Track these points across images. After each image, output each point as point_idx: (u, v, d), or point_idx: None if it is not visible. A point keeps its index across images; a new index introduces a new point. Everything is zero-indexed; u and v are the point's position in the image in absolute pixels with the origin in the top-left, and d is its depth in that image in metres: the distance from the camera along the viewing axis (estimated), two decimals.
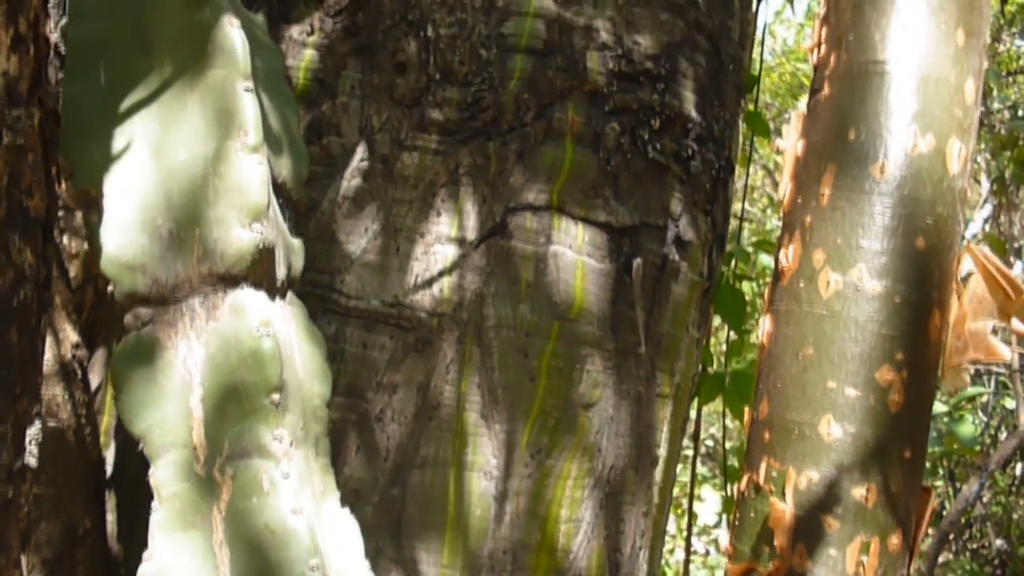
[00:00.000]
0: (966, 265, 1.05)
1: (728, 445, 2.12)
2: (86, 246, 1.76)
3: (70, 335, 1.39)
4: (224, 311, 1.10)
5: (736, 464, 2.10)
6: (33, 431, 0.96)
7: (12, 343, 0.94)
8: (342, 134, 1.46)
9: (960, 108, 1.02)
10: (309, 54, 1.48)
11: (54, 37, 0.95)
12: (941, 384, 1.07)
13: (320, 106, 1.47)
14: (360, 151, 1.45)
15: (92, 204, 1.12)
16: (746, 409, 1.18)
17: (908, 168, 1.01)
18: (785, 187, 1.13)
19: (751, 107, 1.88)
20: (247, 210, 1.10)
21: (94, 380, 1.63)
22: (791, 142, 1.15)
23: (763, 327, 1.11)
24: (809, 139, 1.10)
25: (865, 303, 1.00)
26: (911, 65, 1.02)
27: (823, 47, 1.12)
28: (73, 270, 1.63)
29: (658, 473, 1.59)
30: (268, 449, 1.08)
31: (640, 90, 1.50)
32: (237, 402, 1.08)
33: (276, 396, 1.08)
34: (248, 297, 1.11)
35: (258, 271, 1.12)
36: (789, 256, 1.06)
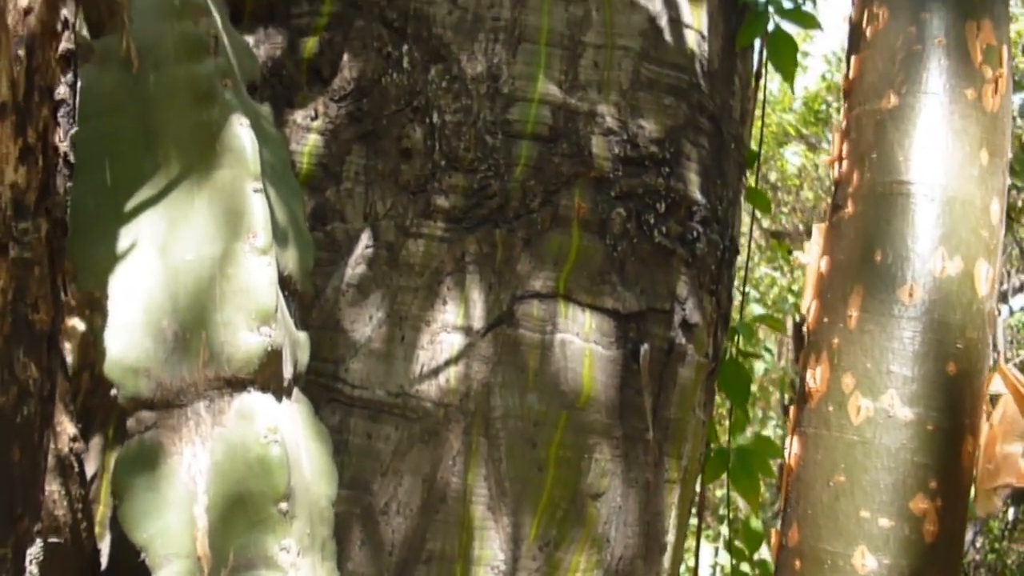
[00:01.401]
0: (996, 385, 1.05)
1: (732, 515, 2.09)
2: (81, 326, 1.73)
3: (68, 428, 1.36)
4: (230, 416, 1.07)
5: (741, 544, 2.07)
6: (34, 551, 0.93)
7: (14, 462, 0.91)
8: (346, 220, 1.44)
9: (986, 229, 1.02)
10: (313, 139, 1.47)
11: (63, 146, 0.94)
12: (973, 508, 1.06)
13: (324, 192, 1.46)
14: (365, 238, 1.43)
15: (96, 306, 1.10)
16: (773, 532, 1.15)
17: (937, 292, 1.00)
18: (808, 302, 1.12)
19: (752, 182, 1.89)
20: (255, 313, 1.08)
21: (90, 467, 1.59)
22: (814, 256, 1.14)
23: (790, 448, 1.09)
24: (834, 257, 1.09)
25: (897, 430, 0.98)
26: (936, 186, 1.02)
27: (845, 162, 1.12)
28: (69, 355, 1.60)
29: (666, 560, 1.56)
30: (275, 560, 1.05)
31: (645, 174, 1.50)
32: (243, 511, 1.05)
33: (284, 505, 1.05)
34: (255, 401, 1.08)
35: (265, 374, 1.09)
36: (817, 378, 1.05)
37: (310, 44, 1.51)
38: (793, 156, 7.84)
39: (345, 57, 1.48)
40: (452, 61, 1.46)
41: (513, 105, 1.45)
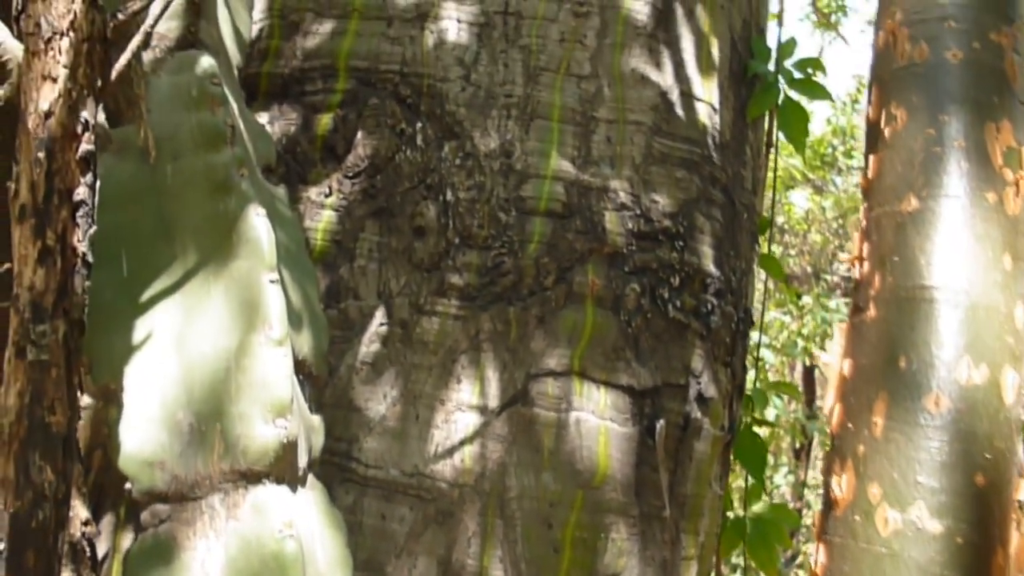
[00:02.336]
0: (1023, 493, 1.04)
1: None
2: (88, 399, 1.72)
3: (80, 512, 1.35)
4: (245, 510, 1.06)
5: None
6: None
7: (28, 567, 0.90)
8: (360, 298, 1.44)
9: (1011, 335, 1.02)
10: (327, 216, 1.48)
11: (82, 247, 0.94)
12: None
13: (338, 269, 1.46)
14: (379, 315, 1.43)
15: (111, 398, 1.09)
16: None
17: (963, 401, 1.00)
18: (831, 404, 1.12)
19: (764, 249, 1.89)
20: (271, 406, 1.07)
21: (101, 547, 1.57)
22: (836, 357, 1.14)
23: (816, 557, 1.08)
24: (856, 361, 1.09)
25: (926, 544, 0.97)
26: (959, 292, 1.02)
27: (866, 264, 1.12)
28: (80, 431, 1.59)
29: None
30: None
31: (659, 249, 1.49)
32: None
33: None
34: (270, 495, 1.07)
35: (281, 466, 1.09)
36: (842, 486, 1.04)
37: (324, 121, 1.52)
38: (800, 200, 7.86)
39: (359, 134, 1.49)
40: (465, 138, 1.47)
41: (526, 182, 1.45)
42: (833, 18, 7.80)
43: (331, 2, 1.57)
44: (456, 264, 1.42)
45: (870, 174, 1.15)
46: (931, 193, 1.06)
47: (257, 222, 1.11)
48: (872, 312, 1.09)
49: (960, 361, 1.01)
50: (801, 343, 6.91)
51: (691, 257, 1.52)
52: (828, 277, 8.12)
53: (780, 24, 1.95)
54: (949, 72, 1.10)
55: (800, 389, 7.79)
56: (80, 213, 0.94)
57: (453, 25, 1.52)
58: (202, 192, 1.14)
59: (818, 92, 1.74)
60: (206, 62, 1.18)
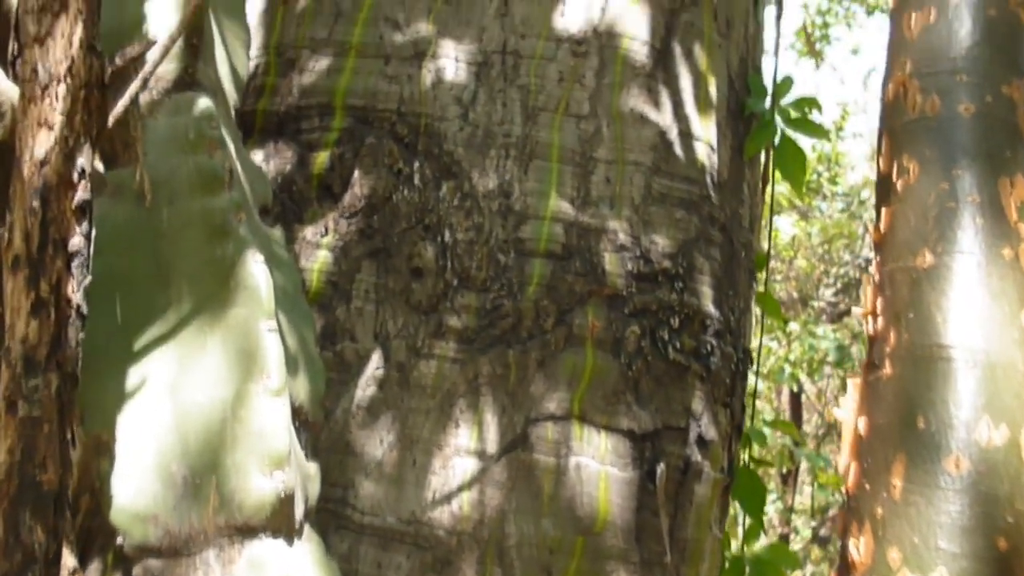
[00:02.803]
0: None
1: None
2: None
3: (68, 560, 1.31)
4: (241, 566, 1.03)
5: None
6: None
7: None
8: (357, 340, 1.42)
9: None
10: (323, 256, 1.46)
11: (76, 298, 0.92)
12: None
13: (334, 310, 1.43)
14: (375, 358, 1.41)
15: (103, 449, 1.06)
16: None
17: (983, 463, 0.98)
18: (846, 462, 1.10)
19: (761, 288, 1.88)
20: (268, 458, 1.04)
21: None
22: (850, 413, 1.12)
23: None
24: (872, 419, 1.08)
25: None
26: (977, 351, 1.01)
27: (880, 319, 1.11)
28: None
29: None
30: None
31: (659, 290, 1.48)
32: None
33: None
34: (267, 550, 1.04)
35: (277, 519, 1.06)
36: (860, 550, 1.02)
37: (320, 159, 1.50)
38: (786, 226, 7.90)
39: (356, 173, 1.48)
40: (464, 178, 1.45)
41: (525, 223, 1.44)
42: (818, 46, 7.89)
43: (328, 39, 1.55)
44: (454, 306, 1.40)
45: (882, 227, 1.15)
46: (946, 249, 1.06)
47: (255, 269, 1.09)
48: (888, 370, 1.08)
49: (979, 421, 1.00)
50: (788, 369, 6.92)
51: (691, 298, 1.51)
52: (814, 303, 8.15)
53: (776, 53, 1.96)
54: (962, 126, 1.10)
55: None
56: (75, 263, 0.91)
57: (451, 64, 1.51)
58: (199, 237, 1.12)
59: (815, 131, 1.74)
60: (203, 104, 1.16)
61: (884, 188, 1.15)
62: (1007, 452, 1.00)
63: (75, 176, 0.91)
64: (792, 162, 1.72)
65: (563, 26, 1.53)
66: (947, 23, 1.12)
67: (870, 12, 7.75)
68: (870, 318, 1.15)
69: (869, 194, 8.41)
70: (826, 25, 7.60)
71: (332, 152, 1.49)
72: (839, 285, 8.48)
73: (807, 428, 8.80)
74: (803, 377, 7.29)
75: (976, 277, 1.04)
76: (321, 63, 1.55)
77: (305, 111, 1.54)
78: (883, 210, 1.15)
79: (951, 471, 0.99)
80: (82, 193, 0.92)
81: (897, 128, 1.15)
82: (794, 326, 6.52)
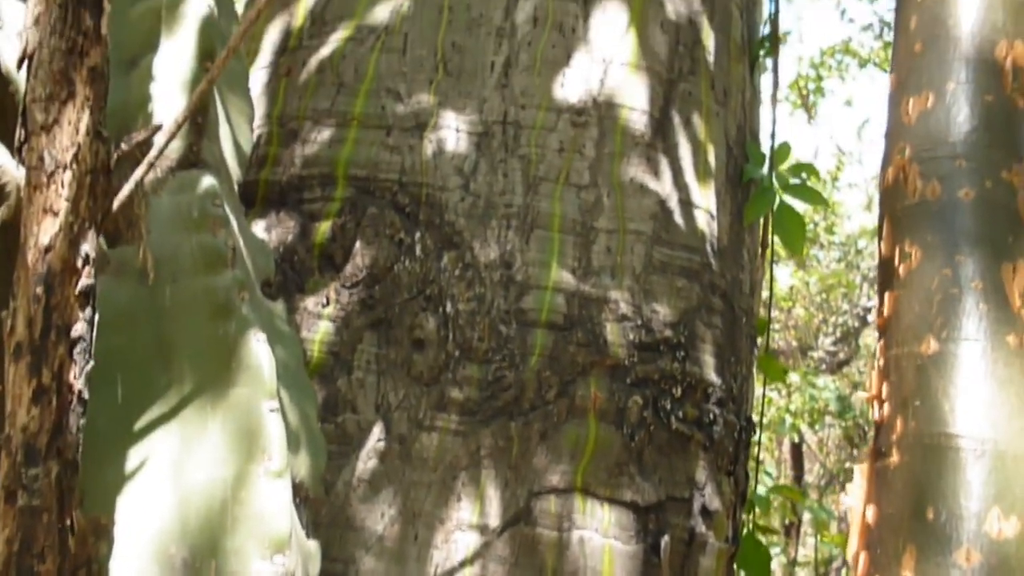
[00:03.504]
0: None
1: None
2: None
3: None
4: None
5: None
6: None
7: None
8: (358, 411, 1.41)
9: None
10: (324, 326, 1.46)
11: (78, 384, 0.91)
12: None
13: (335, 381, 1.43)
14: (377, 430, 1.40)
15: (102, 533, 1.05)
16: None
17: (994, 555, 0.97)
18: (855, 551, 1.09)
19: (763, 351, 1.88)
20: (269, 541, 1.03)
21: None
22: (857, 500, 1.12)
23: None
24: (881, 508, 1.07)
25: None
26: (986, 440, 1.01)
27: (886, 405, 1.11)
28: None
29: None
30: None
31: (661, 359, 1.48)
32: None
33: None
34: None
35: None
36: None
37: (322, 229, 1.51)
38: (784, 275, 7.92)
39: (358, 244, 1.48)
40: (465, 248, 1.46)
41: (527, 293, 1.44)
42: (811, 99, 7.98)
43: (331, 110, 1.57)
44: (456, 377, 1.40)
45: (886, 311, 1.15)
46: (950, 336, 1.06)
47: (258, 348, 1.09)
48: (895, 458, 1.07)
49: (989, 513, 0.99)
50: (789, 420, 6.88)
51: (693, 367, 1.51)
52: (814, 354, 8.13)
53: (773, 120, 1.98)
54: (962, 211, 1.11)
55: (789, 469, 7.73)
56: (77, 349, 0.91)
57: (452, 134, 1.52)
58: (201, 316, 1.11)
59: (813, 198, 1.75)
60: (207, 182, 1.17)
61: (886, 272, 1.16)
62: (1019, 545, 0.99)
63: (79, 262, 0.91)
64: (791, 227, 1.73)
65: (563, 96, 1.55)
66: (945, 109, 1.14)
67: (863, 65, 7.86)
68: (875, 403, 1.15)
69: (866, 244, 8.46)
70: (820, 78, 7.70)
71: (334, 222, 1.50)
72: (838, 334, 8.48)
73: (809, 478, 8.72)
74: (804, 427, 7.25)
75: (982, 365, 1.04)
76: (323, 134, 1.56)
77: (307, 181, 1.55)
78: (886, 294, 1.16)
79: (962, 564, 0.98)
80: (86, 279, 0.91)
81: (898, 212, 1.16)
82: (794, 377, 6.49)
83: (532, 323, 1.43)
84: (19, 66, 0.95)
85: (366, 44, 1.59)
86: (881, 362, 1.13)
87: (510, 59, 1.56)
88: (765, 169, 1.76)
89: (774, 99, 1.91)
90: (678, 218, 1.56)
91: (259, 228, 1.55)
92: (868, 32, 7.81)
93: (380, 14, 1.60)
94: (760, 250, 1.87)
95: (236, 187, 1.34)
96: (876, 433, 1.12)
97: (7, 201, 1.17)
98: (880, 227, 1.17)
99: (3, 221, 1.14)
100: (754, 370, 1.77)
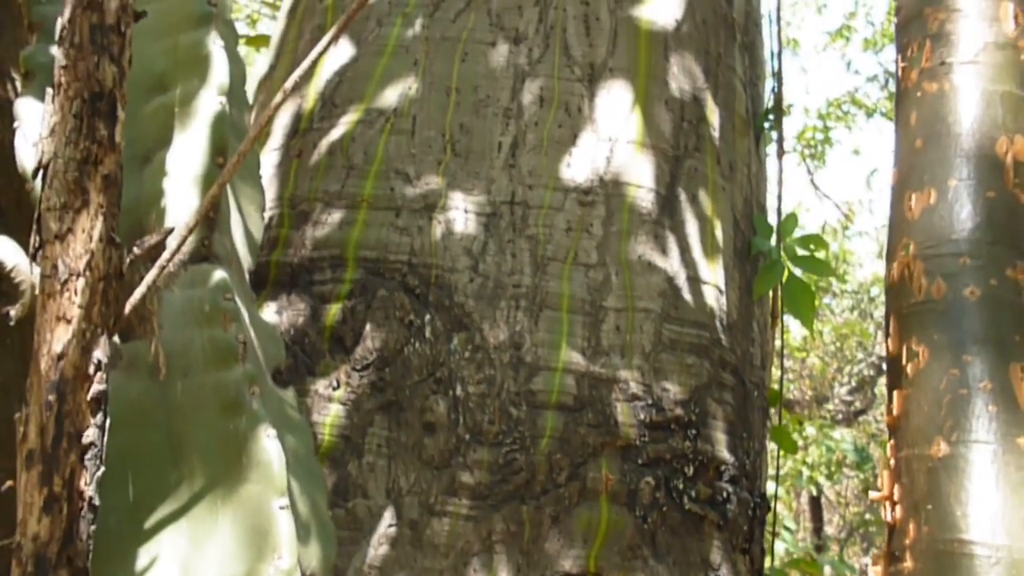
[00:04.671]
0: None
1: None
2: None
3: None
4: None
5: None
6: None
7: None
8: (368, 496, 1.41)
9: None
10: (335, 410, 1.46)
11: (89, 491, 0.91)
12: None
13: (346, 465, 1.43)
14: (387, 515, 1.39)
15: None
16: None
17: None
18: None
19: (775, 422, 1.87)
20: None
21: None
22: None
23: None
24: None
25: None
26: (1000, 547, 1.00)
27: (899, 508, 1.10)
28: None
29: None
30: None
31: (672, 438, 1.47)
32: None
33: None
34: None
35: None
36: None
37: (333, 312, 1.52)
38: (797, 326, 7.89)
39: (368, 326, 1.49)
40: (475, 330, 1.46)
41: (537, 374, 1.44)
42: (819, 148, 8.03)
43: (341, 192, 1.59)
44: (467, 461, 1.39)
45: (895, 411, 1.15)
46: (961, 438, 1.05)
47: (268, 444, 1.09)
48: (909, 563, 1.06)
49: None
50: (807, 472, 6.80)
51: (704, 445, 1.50)
52: (830, 406, 8.06)
53: (780, 191, 1.99)
54: (968, 310, 1.11)
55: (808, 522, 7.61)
56: (89, 455, 0.92)
57: (460, 215, 1.54)
58: (212, 411, 1.12)
59: (821, 269, 1.76)
60: (218, 276, 1.18)
61: (894, 371, 1.16)
62: None
63: (91, 369, 0.92)
64: (800, 299, 1.73)
65: (570, 176, 1.57)
66: (947, 205, 1.15)
67: (869, 115, 7.92)
68: (888, 504, 1.14)
69: (878, 292, 8.43)
70: (827, 128, 7.75)
71: (344, 305, 1.51)
72: (853, 383, 8.41)
73: (829, 530, 8.59)
74: (822, 479, 7.16)
75: (993, 469, 1.03)
76: (334, 215, 1.58)
77: (318, 263, 1.56)
78: (895, 393, 1.15)
79: None
80: (98, 385, 0.92)
81: (904, 310, 1.16)
82: (810, 430, 6.43)
83: (542, 405, 1.43)
84: (34, 176, 0.97)
85: (375, 126, 1.61)
86: (892, 462, 1.12)
87: (517, 139, 1.58)
88: (773, 241, 1.77)
89: (780, 171, 1.93)
90: (687, 295, 1.57)
91: (270, 310, 1.56)
92: (874, 83, 7.89)
93: (389, 97, 1.63)
94: (771, 320, 1.87)
95: (247, 275, 1.36)
96: (889, 536, 1.11)
97: (22, 300, 1.19)
98: (887, 324, 1.17)
99: (17, 320, 1.16)
100: (767, 443, 1.76)
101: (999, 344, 1.08)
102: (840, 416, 8.24)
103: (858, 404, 8.45)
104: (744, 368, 1.64)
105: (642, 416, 1.46)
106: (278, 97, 1.00)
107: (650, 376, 1.49)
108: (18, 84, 1.56)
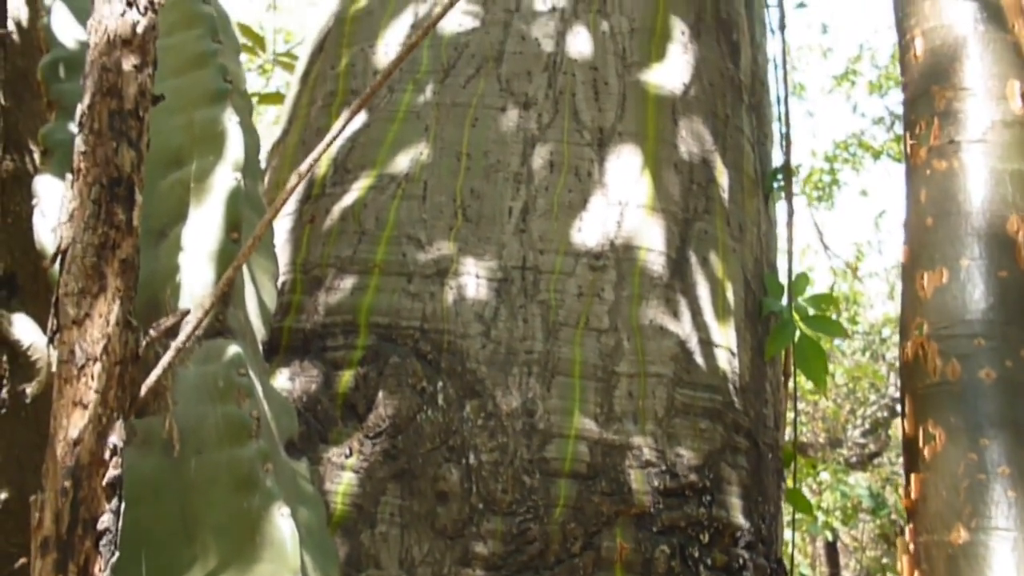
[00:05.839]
0: None
1: None
2: None
3: None
4: None
5: None
6: None
7: None
8: (381, 566, 1.40)
9: None
10: (347, 478, 1.45)
11: None
12: None
13: (359, 535, 1.42)
14: None
15: None
16: None
17: None
18: None
19: (790, 482, 1.86)
20: None
21: None
22: None
23: None
24: None
25: None
26: None
27: None
28: None
29: None
30: None
31: (687, 505, 1.46)
32: None
33: None
34: None
35: None
36: None
37: (345, 378, 1.52)
38: None
39: (380, 393, 1.49)
40: (487, 397, 1.46)
41: (550, 442, 1.44)
42: (827, 191, 8.05)
43: (353, 258, 1.60)
44: (480, 531, 1.39)
45: (913, 494, 1.14)
46: (980, 525, 1.05)
47: (282, 523, 1.08)
48: None
49: None
50: (822, 517, 6.72)
51: (719, 511, 1.49)
52: (844, 451, 7.98)
53: (790, 251, 1.99)
54: (984, 393, 1.11)
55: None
56: (103, 541, 0.91)
57: (472, 281, 1.54)
58: (226, 489, 1.12)
59: (833, 329, 1.75)
60: (232, 351, 1.19)
61: (911, 453, 1.15)
62: None
63: (107, 454, 0.92)
64: (812, 359, 1.73)
65: (581, 240, 1.58)
66: (960, 285, 1.15)
67: (876, 157, 7.95)
68: None
69: (889, 332, 8.39)
70: (834, 171, 7.78)
71: (356, 371, 1.51)
72: (867, 425, 8.34)
73: (846, 574, 8.45)
74: (837, 523, 7.08)
75: (1014, 557, 1.02)
76: (346, 281, 1.59)
77: (330, 329, 1.57)
78: (912, 476, 1.15)
79: None
80: (113, 470, 0.93)
81: (919, 390, 1.16)
82: (825, 475, 6.36)
83: (556, 473, 1.42)
84: (53, 260, 0.99)
85: (387, 192, 1.63)
86: (911, 547, 1.11)
87: (528, 204, 1.59)
88: (784, 300, 1.77)
89: (790, 229, 1.93)
90: (699, 358, 1.56)
91: (283, 377, 1.56)
92: (880, 125, 7.93)
93: (401, 162, 1.65)
94: (783, 379, 1.86)
95: (261, 346, 1.37)
96: None
97: (38, 378, 1.20)
98: (902, 403, 1.16)
99: (33, 397, 1.17)
100: (783, 505, 1.74)
101: (1016, 427, 1.08)
102: (855, 459, 8.15)
103: (872, 447, 8.37)
104: (758, 430, 1.63)
105: (656, 483, 1.45)
106: (293, 179, 1.01)
107: (663, 442, 1.48)
108: (35, 155, 1.58)
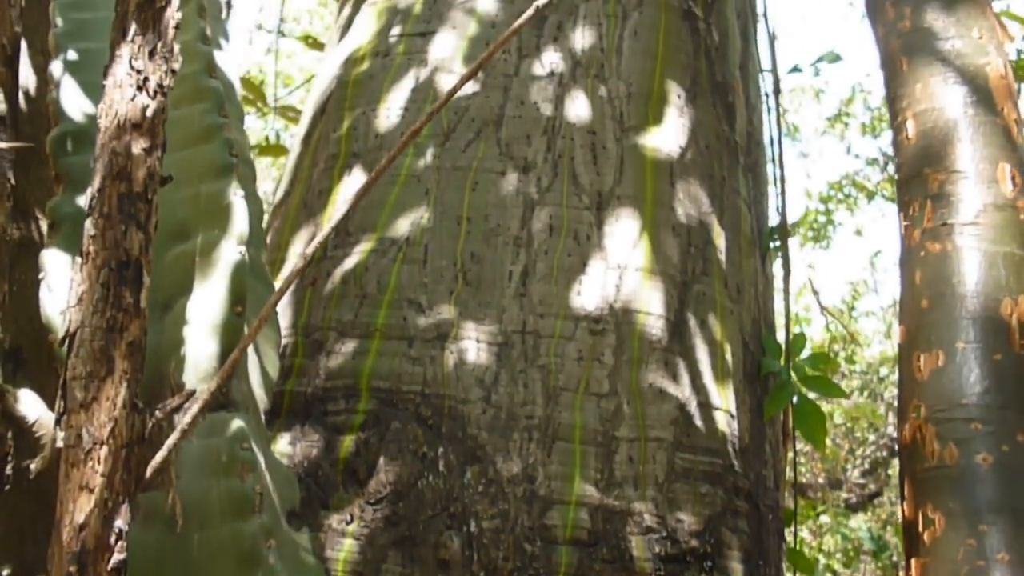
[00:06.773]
0: None
1: None
2: None
3: None
4: None
5: None
6: None
7: None
8: None
9: None
10: (348, 545, 1.45)
11: None
12: None
13: None
14: None
15: None
16: None
17: None
18: None
19: (790, 538, 1.85)
20: None
21: None
22: None
23: None
24: None
25: None
26: None
27: None
28: None
29: None
30: None
31: (688, 571, 1.46)
32: None
33: None
34: None
35: None
36: None
37: (346, 443, 1.53)
38: None
39: (381, 459, 1.50)
40: (488, 462, 1.47)
41: (551, 508, 1.44)
42: (822, 231, 8.10)
43: (354, 321, 1.61)
44: None
45: None
46: None
47: None
48: None
49: None
50: (823, 560, 6.67)
51: None
52: (843, 494, 7.94)
53: (787, 313, 2.01)
54: (982, 478, 1.12)
55: None
56: None
57: (472, 345, 1.56)
58: (228, 564, 1.12)
59: (831, 390, 1.76)
60: (236, 425, 1.19)
61: (911, 537, 1.16)
62: None
63: (112, 538, 0.93)
64: (811, 420, 1.74)
65: (580, 304, 1.59)
66: (956, 368, 1.17)
67: (870, 197, 8.01)
68: None
69: (887, 372, 8.39)
70: (829, 212, 7.84)
71: (357, 436, 1.52)
72: (866, 465, 8.31)
73: None
74: (838, 566, 7.03)
75: None
76: (347, 345, 1.60)
77: (331, 393, 1.58)
78: (913, 561, 1.16)
79: None
80: (118, 554, 0.93)
81: (918, 474, 1.17)
82: (825, 518, 6.33)
83: (556, 540, 1.42)
84: (61, 343, 1.00)
85: (388, 255, 1.65)
86: None
87: (527, 268, 1.61)
88: (782, 360, 1.78)
89: (786, 289, 1.95)
90: (698, 421, 1.57)
91: (284, 441, 1.57)
92: (874, 166, 8.00)
93: (402, 226, 1.67)
94: (783, 438, 1.87)
95: (263, 416, 1.37)
96: None
97: (42, 454, 1.21)
98: (901, 485, 1.17)
99: (38, 472, 1.17)
100: (784, 565, 1.74)
101: (1013, 513, 1.08)
102: (855, 499, 8.11)
103: (872, 487, 8.33)
104: (758, 492, 1.64)
105: (657, 549, 1.45)
106: (299, 262, 1.02)
107: (664, 507, 1.48)
108: (41, 222, 1.60)
